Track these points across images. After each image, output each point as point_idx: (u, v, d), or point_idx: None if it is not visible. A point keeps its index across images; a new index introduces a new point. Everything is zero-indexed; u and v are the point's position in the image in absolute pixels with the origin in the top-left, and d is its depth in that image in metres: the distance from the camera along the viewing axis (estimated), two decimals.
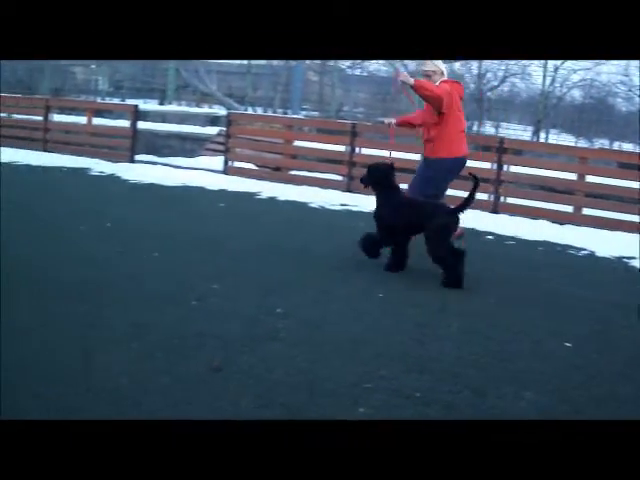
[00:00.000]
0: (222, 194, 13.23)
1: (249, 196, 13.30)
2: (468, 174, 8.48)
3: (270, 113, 25.09)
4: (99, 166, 16.01)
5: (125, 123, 17.64)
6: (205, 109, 26.60)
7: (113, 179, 14.48)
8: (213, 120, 21.25)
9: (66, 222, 9.89)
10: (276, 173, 15.30)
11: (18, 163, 15.96)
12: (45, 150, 17.72)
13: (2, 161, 15.97)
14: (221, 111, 23.03)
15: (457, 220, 8.17)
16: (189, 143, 18.95)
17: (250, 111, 25.19)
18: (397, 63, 23.99)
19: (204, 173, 15.22)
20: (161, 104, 26.09)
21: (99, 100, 24.28)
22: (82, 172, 15.23)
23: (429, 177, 9.24)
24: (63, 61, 27.82)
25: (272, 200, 13.02)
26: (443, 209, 8.21)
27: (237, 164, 15.72)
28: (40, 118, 18.19)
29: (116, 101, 25.18)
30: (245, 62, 26.57)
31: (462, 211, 8.11)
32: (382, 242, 8.46)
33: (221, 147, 16.42)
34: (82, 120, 18.49)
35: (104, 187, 13.47)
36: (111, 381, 4.92)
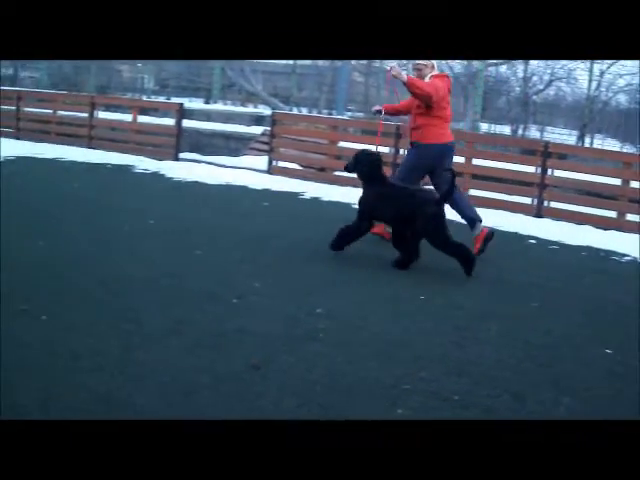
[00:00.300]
0: (266, 193, 13.24)
1: (293, 196, 13.31)
2: (445, 169, 8.94)
3: (315, 113, 25.10)
4: (143, 163, 16.09)
5: (170, 121, 17.70)
6: (250, 108, 26.66)
7: (157, 177, 14.56)
8: (258, 120, 21.30)
9: (109, 219, 9.98)
10: (320, 173, 15.30)
11: (63, 159, 16.11)
12: (90, 147, 17.85)
13: (49, 157, 16.15)
14: (266, 111, 23.07)
15: (443, 209, 8.36)
16: (233, 142, 19.02)
17: (295, 111, 25.22)
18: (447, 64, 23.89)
19: (248, 172, 15.25)
20: (206, 103, 26.18)
21: (145, 98, 24.41)
22: (126, 169, 15.34)
23: (419, 163, 9.51)
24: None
25: (316, 200, 13.02)
26: (430, 198, 8.44)
27: (281, 164, 15.73)
28: (85, 115, 18.32)
29: (162, 99, 25.30)
30: (290, 62, 26.61)
31: (446, 201, 8.46)
32: (361, 231, 8.72)
33: (265, 147, 16.44)
34: (127, 118, 18.62)
35: (148, 184, 13.55)
36: (151, 378, 4.97)
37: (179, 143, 17.13)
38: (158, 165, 15.85)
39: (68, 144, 17.93)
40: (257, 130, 18.80)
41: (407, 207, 8.35)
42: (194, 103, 24.71)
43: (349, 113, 26.99)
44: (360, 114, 27.16)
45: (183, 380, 4.96)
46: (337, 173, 15.13)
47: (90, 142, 18.00)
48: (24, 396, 4.58)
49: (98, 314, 6.14)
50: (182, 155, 17.05)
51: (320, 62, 28.34)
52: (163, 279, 7.27)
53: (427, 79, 9.30)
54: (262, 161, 15.97)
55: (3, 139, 18.34)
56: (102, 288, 6.87)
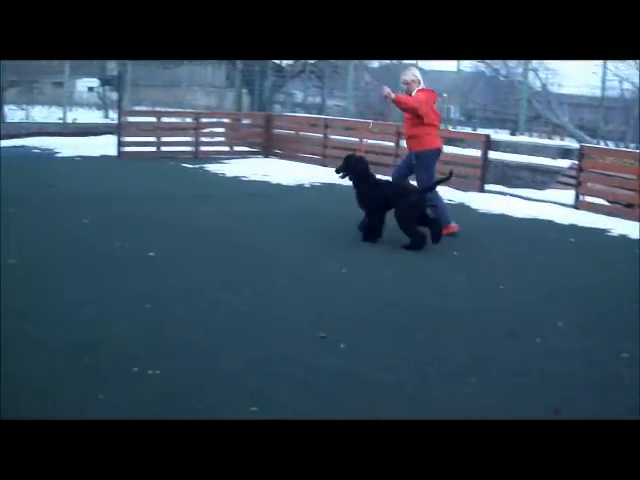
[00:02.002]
0: (572, 229, 12.90)
1: (600, 233, 12.88)
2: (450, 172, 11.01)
3: (622, 147, 24.41)
4: (448, 194, 16.17)
5: (476, 152, 17.69)
6: (556, 141, 26.29)
7: (462, 208, 14.60)
8: (564, 153, 20.92)
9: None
10: (628, 210, 14.79)
11: None
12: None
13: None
14: (573, 144, 22.65)
15: (424, 199, 10.48)
16: (539, 175, 18.72)
17: (602, 145, 24.63)
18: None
19: (554, 206, 14.97)
20: (512, 134, 26.01)
21: (451, 129, 24.56)
22: None
23: (425, 166, 11.32)
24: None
25: (623, 238, 12.54)
26: (413, 190, 10.78)
27: (588, 199, 15.34)
28: (391, 144, 18.65)
29: (468, 130, 25.35)
30: (598, 94, 26.05)
31: (428, 192, 10.67)
32: (373, 223, 10.55)
33: (572, 180, 16.12)
34: None
35: (452, 215, 13.58)
36: (446, 416, 5.01)
37: (485, 174, 17.08)
38: (463, 196, 15.85)
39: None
40: (564, 163, 18.46)
41: (395, 197, 10.35)
42: (500, 134, 24.61)
43: None
44: None
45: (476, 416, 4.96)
46: None
47: None
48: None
49: (399, 345, 6.27)
50: (487, 187, 16.97)
51: (628, 95, 27.60)
52: (467, 313, 7.32)
53: (413, 93, 11.18)
54: (569, 195, 15.64)
55: (310, 165, 19.23)
56: (407, 319, 7.00)
